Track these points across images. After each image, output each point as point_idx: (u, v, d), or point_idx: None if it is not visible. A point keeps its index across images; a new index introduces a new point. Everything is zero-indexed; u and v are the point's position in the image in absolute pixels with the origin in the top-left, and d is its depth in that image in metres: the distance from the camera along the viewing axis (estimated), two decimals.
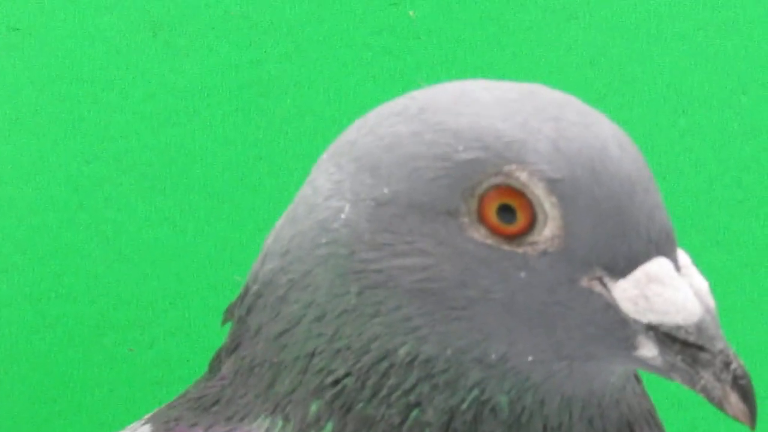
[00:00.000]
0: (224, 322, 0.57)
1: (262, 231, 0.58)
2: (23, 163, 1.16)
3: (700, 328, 0.51)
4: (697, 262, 0.54)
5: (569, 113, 0.51)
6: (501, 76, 0.56)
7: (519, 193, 0.50)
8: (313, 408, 0.55)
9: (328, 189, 0.54)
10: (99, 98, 1.15)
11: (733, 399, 0.52)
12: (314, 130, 1.04)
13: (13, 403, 1.17)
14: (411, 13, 1.04)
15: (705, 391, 0.52)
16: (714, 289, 0.55)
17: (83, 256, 1.17)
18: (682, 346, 0.52)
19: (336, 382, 0.54)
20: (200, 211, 1.14)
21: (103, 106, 1.14)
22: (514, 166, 0.50)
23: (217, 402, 0.57)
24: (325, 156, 0.55)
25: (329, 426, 0.54)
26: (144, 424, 0.57)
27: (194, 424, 0.56)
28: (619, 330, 0.52)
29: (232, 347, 0.56)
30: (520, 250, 0.51)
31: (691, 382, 0.51)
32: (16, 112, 1.15)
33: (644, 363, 0.52)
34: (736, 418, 0.51)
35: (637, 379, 0.56)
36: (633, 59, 1.07)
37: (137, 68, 1.13)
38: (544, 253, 0.51)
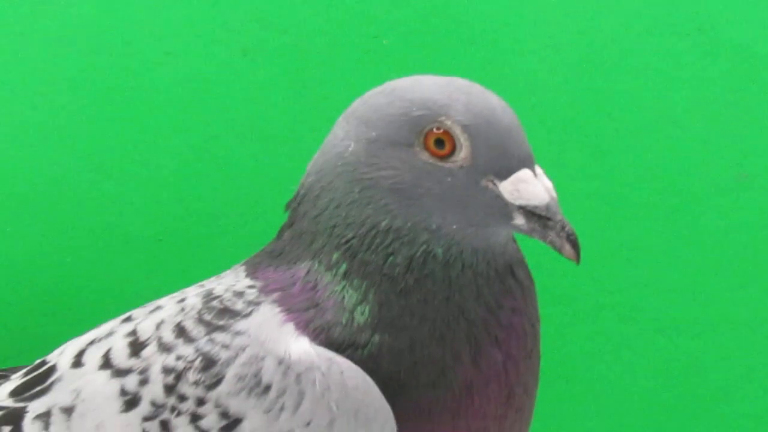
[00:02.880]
0: (286, 209, 0.88)
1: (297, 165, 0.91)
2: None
3: (547, 207, 0.80)
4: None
5: (474, 90, 0.82)
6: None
7: (446, 132, 0.81)
8: (335, 256, 0.84)
9: (342, 135, 0.84)
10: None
11: (567, 246, 0.81)
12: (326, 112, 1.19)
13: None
14: (384, 41, 1.29)
15: (551, 242, 0.81)
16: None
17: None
18: (538, 217, 0.81)
19: (347, 241, 0.83)
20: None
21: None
22: (443, 118, 0.81)
23: (281, 254, 0.87)
24: (340, 118, 0.86)
25: (343, 266, 0.83)
26: (241, 265, 0.88)
27: (269, 266, 0.87)
28: (503, 209, 0.81)
29: (290, 224, 0.87)
30: (447, 165, 0.81)
31: (543, 238, 0.81)
32: None
33: (518, 228, 0.82)
34: (569, 257, 0.81)
35: (515, 240, 0.87)
36: None
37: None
38: (461, 167, 0.81)
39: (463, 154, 0.82)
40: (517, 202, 0.82)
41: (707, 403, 1.27)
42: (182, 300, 0.88)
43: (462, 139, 0.81)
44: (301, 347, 0.83)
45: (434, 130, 0.82)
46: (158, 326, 0.88)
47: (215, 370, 0.82)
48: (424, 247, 0.84)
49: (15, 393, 0.91)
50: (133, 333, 0.88)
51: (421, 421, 0.84)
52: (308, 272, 0.86)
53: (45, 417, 0.88)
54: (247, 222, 1.19)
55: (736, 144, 1.19)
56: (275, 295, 0.86)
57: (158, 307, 0.89)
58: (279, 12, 1.28)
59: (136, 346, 0.87)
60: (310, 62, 1.30)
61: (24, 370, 0.95)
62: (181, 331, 0.85)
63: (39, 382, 0.91)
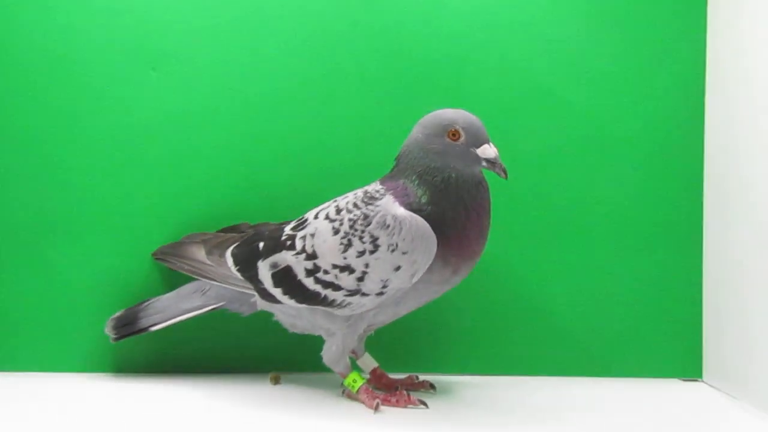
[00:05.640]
0: (394, 160, 1.95)
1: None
2: None
3: (495, 158, 1.85)
4: None
5: (467, 113, 1.86)
6: (457, 103, 2.02)
7: (456, 130, 1.86)
8: (413, 177, 1.85)
9: (415, 132, 1.86)
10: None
11: (502, 173, 1.87)
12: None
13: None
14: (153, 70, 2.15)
15: (496, 172, 1.87)
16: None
17: None
18: (491, 162, 1.84)
19: (418, 172, 1.84)
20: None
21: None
22: (455, 124, 1.84)
23: (392, 176, 1.87)
24: (415, 126, 1.92)
25: (416, 181, 1.84)
26: (379, 179, 1.97)
27: (389, 180, 1.87)
28: (478, 159, 1.83)
29: (396, 165, 1.88)
30: (456, 143, 1.83)
31: (492, 170, 1.86)
32: None
33: (484, 166, 1.94)
34: (502, 177, 1.91)
35: (482, 172, 1.93)
36: None
37: None
38: (462, 143, 1.84)
39: (462, 139, 1.84)
40: (483, 156, 1.85)
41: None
42: (355, 193, 1.91)
43: (462, 133, 1.84)
44: (401, 211, 1.80)
45: (452, 129, 1.85)
46: (346, 203, 1.87)
47: (368, 219, 1.82)
48: (448, 174, 1.84)
49: (292, 228, 1.95)
50: (337, 205, 1.90)
51: (446, 241, 1.82)
52: (403, 183, 1.84)
53: (303, 237, 1.90)
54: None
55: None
56: (391, 192, 1.84)
57: (346, 195, 1.92)
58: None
59: (338, 210, 1.87)
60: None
61: (296, 219, 1.97)
62: (355, 205, 1.85)
63: (302, 224, 1.94)
